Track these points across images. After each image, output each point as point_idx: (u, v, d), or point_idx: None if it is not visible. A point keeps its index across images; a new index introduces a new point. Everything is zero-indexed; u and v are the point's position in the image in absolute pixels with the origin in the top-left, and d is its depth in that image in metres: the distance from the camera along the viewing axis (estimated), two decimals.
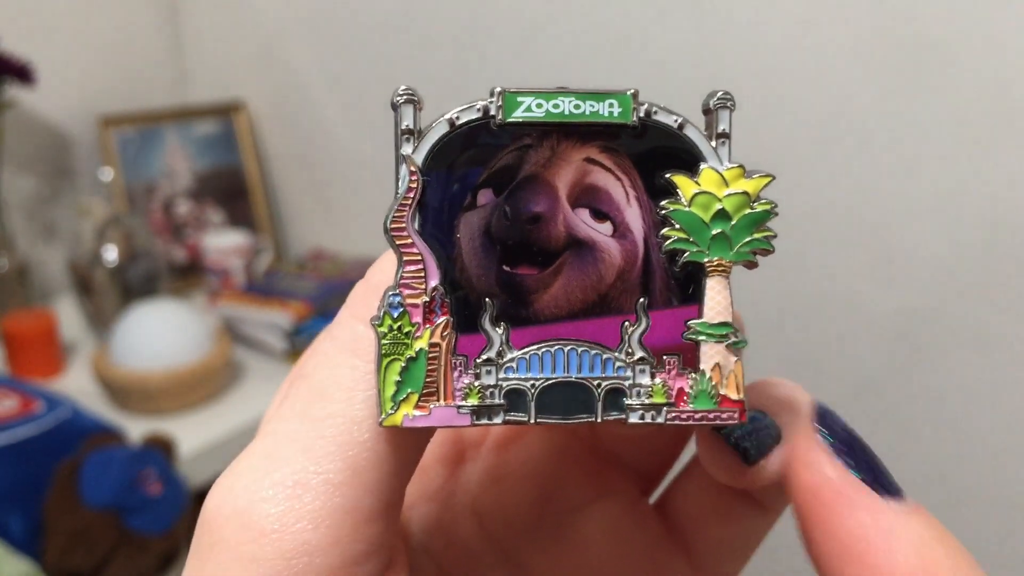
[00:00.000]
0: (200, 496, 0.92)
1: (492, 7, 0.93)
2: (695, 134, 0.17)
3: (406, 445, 0.17)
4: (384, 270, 0.18)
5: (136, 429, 0.81)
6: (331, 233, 1.19)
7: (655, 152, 0.17)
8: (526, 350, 0.17)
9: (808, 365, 0.81)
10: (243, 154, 1.20)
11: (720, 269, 0.17)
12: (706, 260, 0.17)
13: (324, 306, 1.01)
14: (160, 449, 0.78)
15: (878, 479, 0.16)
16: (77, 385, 0.91)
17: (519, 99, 0.17)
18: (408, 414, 0.17)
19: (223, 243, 1.09)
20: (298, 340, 0.98)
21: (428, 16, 0.99)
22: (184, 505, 0.77)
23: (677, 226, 0.17)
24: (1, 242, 1.01)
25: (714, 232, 0.17)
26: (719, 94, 0.17)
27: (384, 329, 0.17)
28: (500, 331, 0.17)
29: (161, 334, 0.88)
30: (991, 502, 0.75)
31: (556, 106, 0.17)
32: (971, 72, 0.67)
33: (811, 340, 0.81)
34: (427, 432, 0.18)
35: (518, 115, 0.17)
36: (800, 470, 0.17)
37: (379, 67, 1.06)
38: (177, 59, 1.25)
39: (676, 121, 0.17)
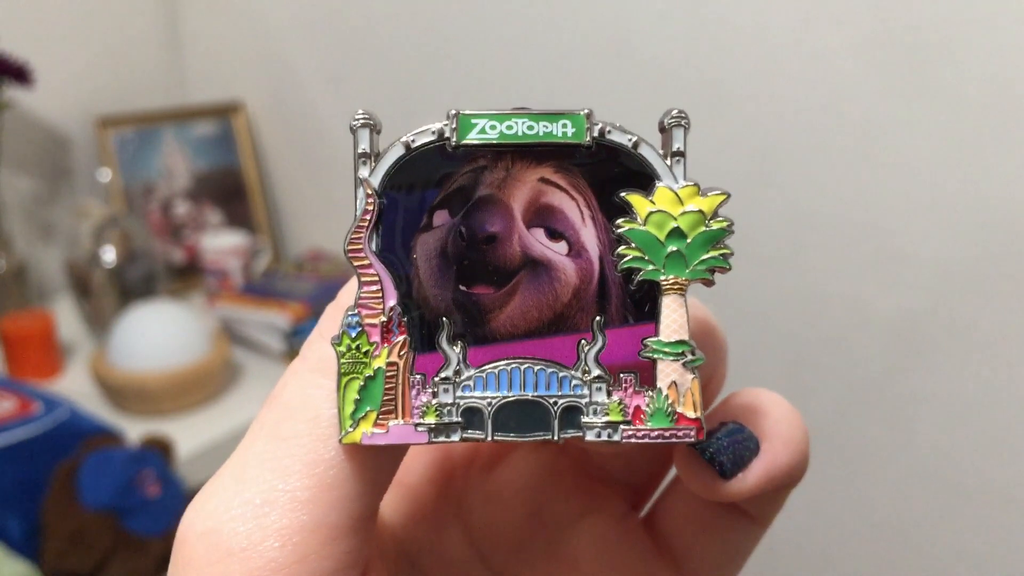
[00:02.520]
0: None
1: (492, 7, 0.93)
2: (650, 153, 0.17)
3: (374, 463, 0.17)
4: (353, 291, 0.18)
5: (134, 430, 0.81)
6: (329, 234, 1.19)
7: (610, 171, 0.17)
8: (483, 368, 0.17)
9: (808, 365, 0.81)
10: (241, 155, 1.20)
11: (676, 287, 0.17)
12: (662, 278, 0.17)
13: (322, 307, 0.99)
14: (158, 450, 0.78)
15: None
16: (75, 386, 0.92)
17: (473, 121, 0.17)
18: (367, 431, 0.17)
19: (221, 244, 1.09)
20: (296, 341, 0.98)
21: (427, 16, 0.99)
22: (182, 506, 0.77)
23: (632, 245, 0.17)
24: None
25: (669, 250, 0.17)
26: (673, 112, 0.17)
27: (343, 348, 0.17)
28: (457, 350, 0.17)
29: (159, 335, 0.89)
30: (991, 501, 0.75)
31: (510, 127, 0.17)
32: (971, 72, 0.67)
33: (811, 340, 0.81)
34: (396, 450, 0.18)
35: (472, 137, 0.17)
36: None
37: (378, 68, 1.06)
38: (175, 60, 1.25)
39: (630, 140, 0.17)
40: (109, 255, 0.99)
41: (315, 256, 1.14)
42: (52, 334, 0.94)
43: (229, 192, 1.19)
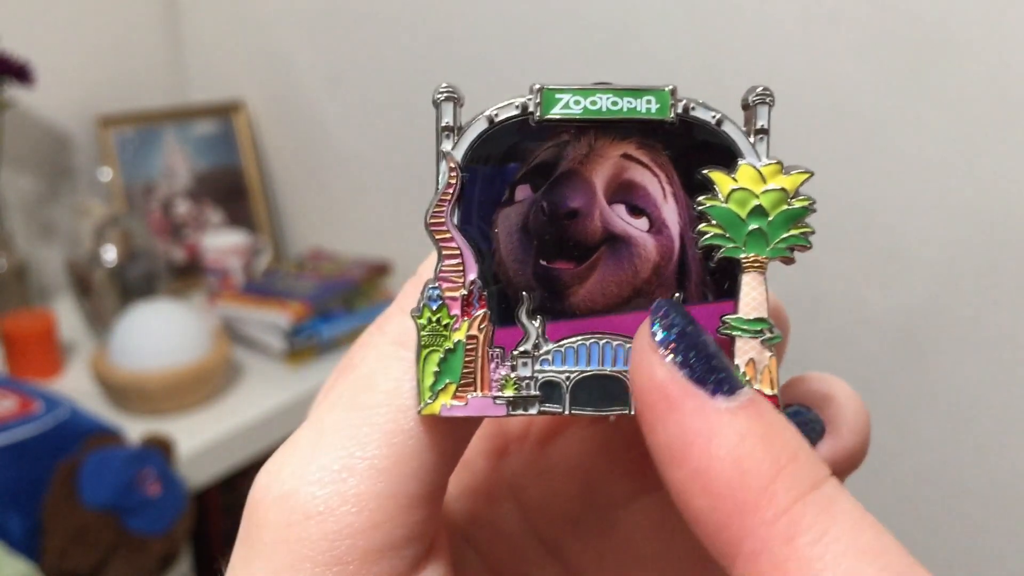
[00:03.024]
0: (199, 497, 0.91)
1: (492, 6, 0.94)
2: (733, 130, 0.17)
3: (450, 435, 0.17)
4: (433, 266, 0.18)
5: (135, 429, 0.81)
6: (330, 233, 1.19)
7: (693, 148, 0.17)
8: (561, 343, 0.17)
9: (808, 365, 0.82)
10: (242, 154, 1.20)
11: (756, 265, 0.17)
12: (742, 256, 0.17)
13: (323, 306, 1.01)
14: (159, 449, 0.77)
15: (709, 375, 0.15)
16: (76, 385, 0.91)
17: (557, 96, 0.17)
18: (446, 403, 0.17)
19: (222, 243, 1.09)
20: (297, 340, 0.98)
21: (428, 16, 0.99)
22: (183, 505, 0.77)
23: (713, 222, 0.17)
24: (0, 242, 1.00)
25: (750, 228, 0.17)
26: (758, 90, 0.17)
27: (423, 321, 0.17)
28: (536, 324, 0.17)
29: (160, 334, 0.88)
30: (991, 499, 0.76)
31: (594, 103, 0.17)
32: (972, 72, 0.68)
33: (811, 340, 0.81)
34: (471, 423, 0.18)
35: (556, 112, 0.17)
36: (631, 374, 0.16)
37: (379, 67, 1.06)
38: (176, 59, 1.25)
39: (714, 117, 0.17)
40: (110, 254, 0.98)
41: (316, 255, 1.14)
42: (53, 333, 0.94)
43: (230, 191, 1.19)
